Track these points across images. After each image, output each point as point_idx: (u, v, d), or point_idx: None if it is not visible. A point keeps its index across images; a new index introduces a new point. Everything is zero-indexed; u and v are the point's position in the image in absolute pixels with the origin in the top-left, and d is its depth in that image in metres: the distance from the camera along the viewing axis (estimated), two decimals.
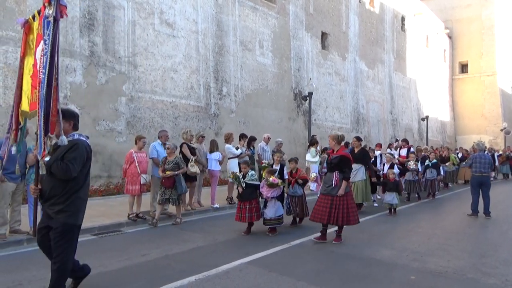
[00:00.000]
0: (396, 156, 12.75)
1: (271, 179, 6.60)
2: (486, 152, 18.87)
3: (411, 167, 11.21)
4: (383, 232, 7.24)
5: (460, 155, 17.74)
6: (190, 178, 8.39)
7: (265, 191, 6.65)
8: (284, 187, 7.13)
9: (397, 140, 19.45)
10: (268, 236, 6.69)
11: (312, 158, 12.19)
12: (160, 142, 8.10)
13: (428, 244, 6.33)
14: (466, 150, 18.91)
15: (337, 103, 21.99)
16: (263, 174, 7.06)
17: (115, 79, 11.78)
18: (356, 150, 9.33)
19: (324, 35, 21.41)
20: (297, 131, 18.57)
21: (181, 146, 8.61)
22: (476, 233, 7.46)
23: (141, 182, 7.54)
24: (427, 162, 12.22)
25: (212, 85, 14.81)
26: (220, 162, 9.42)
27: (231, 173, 7.40)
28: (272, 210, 6.72)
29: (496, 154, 19.71)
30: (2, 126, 9.42)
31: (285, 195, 7.44)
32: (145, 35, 12.68)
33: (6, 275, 4.61)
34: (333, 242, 6.20)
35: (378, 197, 10.80)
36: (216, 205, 9.15)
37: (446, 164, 14.95)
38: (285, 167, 7.58)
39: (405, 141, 14.16)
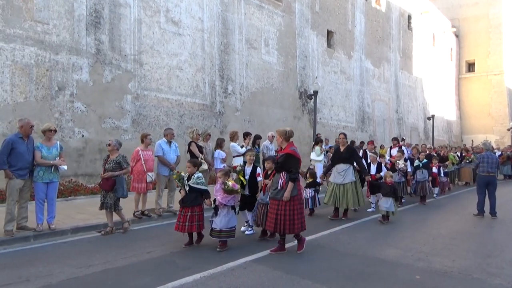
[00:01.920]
0: (388, 157, 11.79)
1: (230, 183, 5.59)
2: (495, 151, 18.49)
3: (399, 166, 10.17)
4: (387, 231, 7.22)
5: (458, 153, 16.58)
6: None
7: (219, 197, 5.60)
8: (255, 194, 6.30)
9: (403, 139, 19.37)
10: (217, 251, 5.54)
11: (317, 157, 12.18)
12: (166, 140, 8.12)
13: (433, 244, 6.31)
14: (467, 150, 17.86)
15: (342, 101, 21.93)
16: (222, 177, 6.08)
17: (121, 77, 11.83)
18: (342, 148, 8.32)
19: (329, 34, 21.35)
20: (302, 129, 18.55)
21: (189, 144, 8.64)
22: (482, 233, 7.41)
23: (147, 180, 7.57)
24: (416, 162, 11.09)
25: (218, 83, 14.83)
26: (224, 160, 9.42)
27: (175, 172, 6.20)
28: (224, 220, 5.55)
29: (497, 154, 19.37)
30: (9, 123, 9.50)
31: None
32: (151, 33, 12.72)
33: (13, 271, 4.65)
34: (297, 252, 5.57)
35: (370, 200, 9.64)
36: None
37: (446, 163, 14.01)
38: (258, 168, 6.69)
39: (396, 139, 13.16)
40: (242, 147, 9.66)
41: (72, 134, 10.69)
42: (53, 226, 6.39)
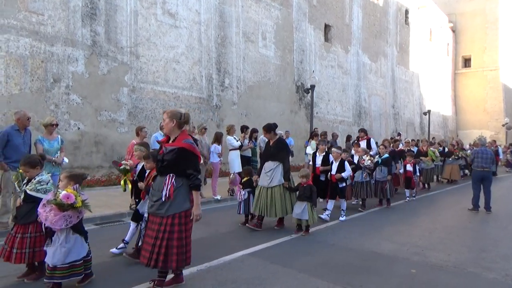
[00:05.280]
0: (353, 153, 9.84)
1: (62, 193, 3.62)
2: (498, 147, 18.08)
3: (366, 163, 8.69)
4: (383, 226, 7.26)
5: (440, 149, 14.98)
6: None
7: (43, 215, 3.60)
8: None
9: (399, 134, 19.44)
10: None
11: (312, 151, 12.18)
12: (162, 133, 8.09)
13: (429, 238, 6.35)
14: (452, 145, 16.32)
15: (339, 96, 21.93)
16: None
17: (117, 69, 11.74)
18: (271, 143, 6.66)
19: (327, 28, 21.29)
20: (299, 123, 18.54)
21: None
22: (477, 228, 7.47)
23: None
24: (376, 158, 9.34)
25: (214, 76, 14.76)
26: (220, 154, 9.41)
27: (18, 171, 4.46)
28: (60, 251, 3.66)
29: (499, 150, 19.23)
30: (4, 115, 9.42)
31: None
32: (148, 25, 12.61)
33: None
34: None
35: (353, 202, 9.12)
36: (218, 197, 9.17)
37: (424, 159, 12.51)
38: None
39: (364, 131, 11.22)
40: (237, 140, 9.65)
41: (68, 127, 10.61)
42: None
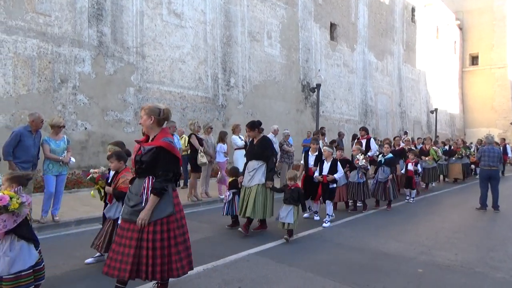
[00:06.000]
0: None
1: None
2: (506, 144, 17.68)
3: (360, 163, 8.16)
4: (390, 225, 7.23)
5: (446, 147, 14.73)
6: (198, 169, 8.49)
7: None
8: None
9: (406, 133, 19.34)
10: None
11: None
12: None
13: (435, 238, 6.31)
14: (455, 142, 16.06)
15: (345, 95, 21.85)
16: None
17: (123, 70, 11.80)
18: (255, 141, 6.35)
19: (333, 26, 21.21)
20: (305, 123, 18.51)
21: (189, 136, 8.66)
22: (485, 227, 7.41)
23: None
24: (379, 157, 9.07)
25: (220, 76, 14.78)
26: (226, 153, 9.43)
27: None
28: (3, 261, 3.23)
29: (508, 148, 18.87)
30: (12, 116, 9.51)
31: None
32: (153, 26, 12.66)
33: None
34: None
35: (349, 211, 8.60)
36: (223, 196, 9.18)
37: (426, 159, 12.00)
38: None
39: (365, 130, 10.57)
40: (242, 140, 9.67)
41: (75, 127, 10.69)
42: (57, 218, 6.44)
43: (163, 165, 3.36)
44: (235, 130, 9.69)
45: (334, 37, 21.36)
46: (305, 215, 7.46)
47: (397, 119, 26.76)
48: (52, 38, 10.32)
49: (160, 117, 3.51)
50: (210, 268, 4.56)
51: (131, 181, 3.63)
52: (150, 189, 3.35)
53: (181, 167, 8.14)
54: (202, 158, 8.19)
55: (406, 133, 20.95)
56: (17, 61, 9.70)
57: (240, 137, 9.63)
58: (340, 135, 15.26)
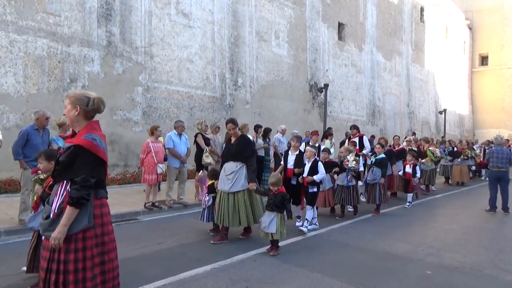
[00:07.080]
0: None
1: None
2: None
3: (350, 165, 7.40)
4: (398, 226, 7.19)
5: (450, 149, 14.10)
6: (204, 169, 8.50)
7: None
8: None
9: (414, 134, 19.20)
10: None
11: None
12: (176, 133, 8.16)
13: (444, 239, 6.27)
14: (460, 141, 15.49)
15: (353, 95, 21.77)
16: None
17: (132, 69, 11.88)
18: (233, 140, 5.87)
19: (340, 26, 21.14)
20: (312, 123, 18.46)
21: (195, 136, 8.68)
22: (494, 229, 7.34)
23: (158, 172, 7.64)
24: (371, 158, 8.56)
25: (228, 76, 14.81)
26: None
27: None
28: None
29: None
30: (23, 115, 9.62)
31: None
32: (162, 26, 12.72)
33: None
34: None
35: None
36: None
37: (423, 161, 11.42)
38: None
39: (356, 128, 10.05)
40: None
41: None
42: None
43: (81, 168, 2.62)
44: (243, 129, 9.68)
45: (342, 37, 21.28)
46: (297, 223, 6.72)
47: (405, 119, 26.58)
48: (62, 38, 10.42)
49: (88, 107, 2.88)
50: (217, 267, 4.58)
51: (50, 188, 2.95)
52: (63, 196, 2.66)
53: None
54: (206, 158, 8.19)
55: (414, 133, 20.77)
56: (28, 60, 9.81)
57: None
58: (347, 135, 15.17)
